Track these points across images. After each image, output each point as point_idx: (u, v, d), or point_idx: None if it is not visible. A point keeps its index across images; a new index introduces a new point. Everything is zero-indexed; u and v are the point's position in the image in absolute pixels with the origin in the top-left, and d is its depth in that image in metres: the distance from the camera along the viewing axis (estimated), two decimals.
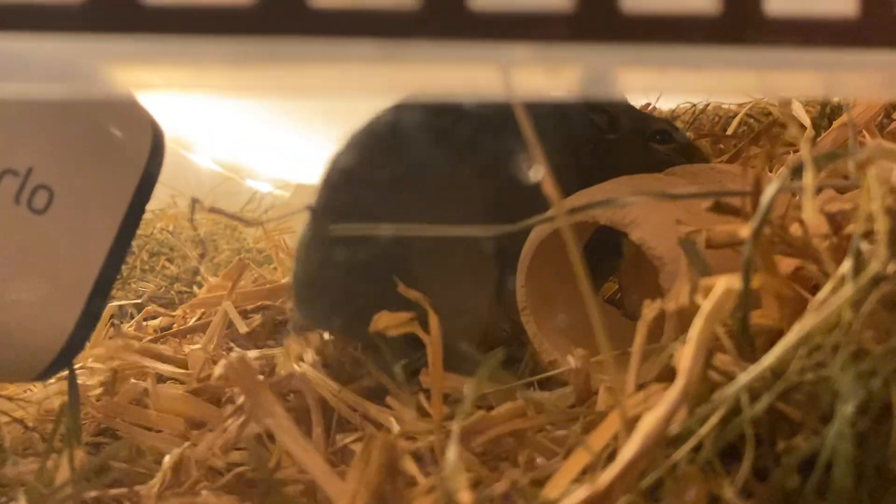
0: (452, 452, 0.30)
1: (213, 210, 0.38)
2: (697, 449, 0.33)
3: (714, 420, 0.32)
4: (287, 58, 0.22)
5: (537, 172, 0.25)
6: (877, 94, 0.52)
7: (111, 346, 0.65)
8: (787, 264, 0.40)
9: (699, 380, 0.31)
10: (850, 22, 0.25)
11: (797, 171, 0.35)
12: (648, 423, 0.29)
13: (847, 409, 0.31)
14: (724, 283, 0.31)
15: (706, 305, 0.31)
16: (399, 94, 0.62)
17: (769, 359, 0.30)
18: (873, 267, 0.29)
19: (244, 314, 0.85)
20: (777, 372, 0.32)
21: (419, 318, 0.46)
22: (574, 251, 0.30)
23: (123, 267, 1.07)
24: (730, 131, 0.92)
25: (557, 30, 0.23)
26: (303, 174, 1.48)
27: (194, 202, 0.38)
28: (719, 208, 0.39)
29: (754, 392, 0.32)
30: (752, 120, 0.94)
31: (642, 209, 0.51)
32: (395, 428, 0.50)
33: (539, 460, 0.45)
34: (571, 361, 0.51)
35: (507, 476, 0.43)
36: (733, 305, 0.32)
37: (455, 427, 0.31)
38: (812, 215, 0.30)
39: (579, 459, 0.33)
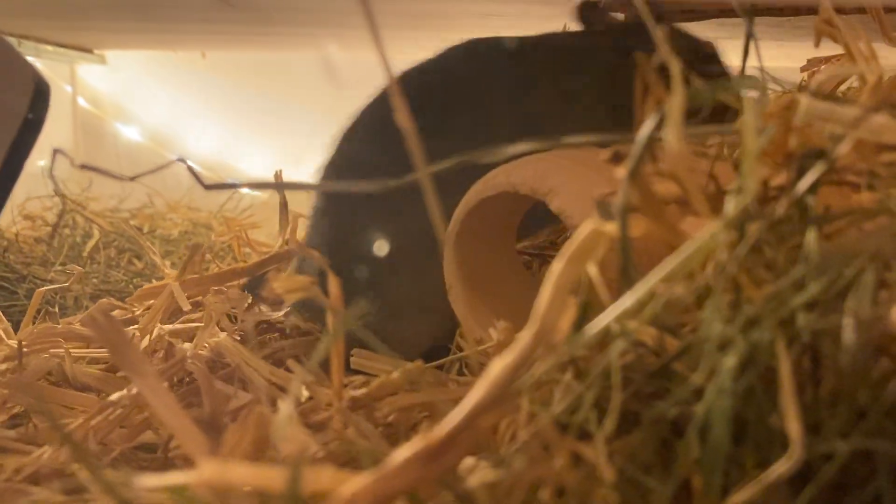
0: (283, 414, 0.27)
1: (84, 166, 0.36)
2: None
3: (594, 374, 0.29)
4: None
5: None
6: None
7: (37, 330, 0.63)
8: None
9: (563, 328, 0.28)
10: None
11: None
12: (495, 371, 0.27)
13: (728, 361, 0.28)
14: (590, 225, 0.29)
15: (567, 247, 0.28)
16: None
17: (627, 301, 0.27)
18: (741, 200, 0.27)
19: (196, 305, 0.83)
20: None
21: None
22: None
23: (86, 260, 1.06)
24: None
25: None
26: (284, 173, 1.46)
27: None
28: (618, 158, 0.37)
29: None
30: None
31: (562, 177, 0.48)
32: (304, 395, 0.47)
33: None
34: (493, 335, 0.49)
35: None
36: (605, 250, 0.30)
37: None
38: (675, 143, 0.27)
39: None
